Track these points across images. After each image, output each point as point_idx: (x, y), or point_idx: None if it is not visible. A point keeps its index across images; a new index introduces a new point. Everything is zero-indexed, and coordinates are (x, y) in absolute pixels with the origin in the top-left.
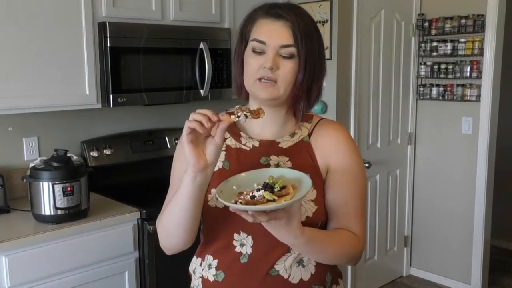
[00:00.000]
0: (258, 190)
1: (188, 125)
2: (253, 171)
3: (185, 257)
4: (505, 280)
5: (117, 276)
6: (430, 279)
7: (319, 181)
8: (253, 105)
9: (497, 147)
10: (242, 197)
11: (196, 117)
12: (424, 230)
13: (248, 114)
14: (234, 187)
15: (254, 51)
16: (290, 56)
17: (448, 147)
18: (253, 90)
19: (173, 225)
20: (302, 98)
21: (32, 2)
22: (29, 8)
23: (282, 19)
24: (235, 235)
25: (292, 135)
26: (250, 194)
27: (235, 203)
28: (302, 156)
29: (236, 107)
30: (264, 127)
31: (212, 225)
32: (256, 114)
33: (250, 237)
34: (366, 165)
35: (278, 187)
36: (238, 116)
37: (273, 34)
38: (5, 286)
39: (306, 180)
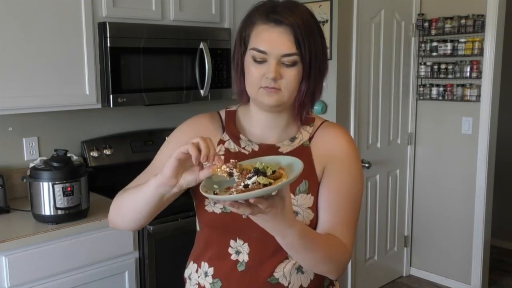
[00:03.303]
0: (249, 178)
1: (189, 148)
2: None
3: (185, 257)
4: (505, 280)
5: (117, 276)
6: (430, 279)
7: (317, 188)
8: (255, 110)
9: (497, 147)
10: (233, 189)
11: (201, 145)
12: (424, 230)
13: (237, 175)
14: (215, 186)
15: (255, 60)
16: (293, 64)
17: (448, 147)
18: (257, 97)
19: (127, 211)
20: (307, 103)
21: (32, 2)
22: (29, 8)
23: (282, 25)
24: (232, 242)
25: (292, 139)
26: (242, 184)
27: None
28: None
29: (232, 161)
30: (265, 130)
31: (209, 231)
32: (244, 176)
33: (246, 244)
34: (366, 165)
35: (270, 171)
36: (229, 173)
37: (274, 43)
38: (5, 286)
39: (295, 160)
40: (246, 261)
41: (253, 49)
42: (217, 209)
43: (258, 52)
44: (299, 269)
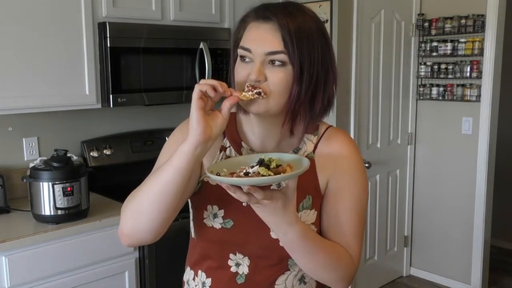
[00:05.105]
0: (252, 167)
1: (200, 88)
2: (244, 155)
3: (185, 257)
4: (505, 280)
5: (117, 276)
6: (430, 279)
7: (320, 202)
8: (244, 116)
9: (497, 147)
10: (235, 175)
11: (209, 82)
12: (424, 230)
13: (260, 90)
14: (224, 169)
15: (242, 59)
16: (281, 64)
17: (448, 147)
18: (241, 103)
19: (150, 202)
20: (301, 112)
21: (32, 2)
22: (29, 8)
23: (270, 22)
24: (231, 255)
25: (297, 150)
26: (244, 171)
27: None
28: (305, 175)
29: (247, 84)
30: (263, 138)
31: (206, 244)
32: (265, 92)
33: (246, 257)
34: (366, 165)
35: (274, 165)
36: (258, 93)
37: (259, 39)
38: (5, 286)
39: (303, 159)
40: (246, 273)
41: (240, 48)
42: (217, 224)
43: (243, 50)
44: (301, 280)
